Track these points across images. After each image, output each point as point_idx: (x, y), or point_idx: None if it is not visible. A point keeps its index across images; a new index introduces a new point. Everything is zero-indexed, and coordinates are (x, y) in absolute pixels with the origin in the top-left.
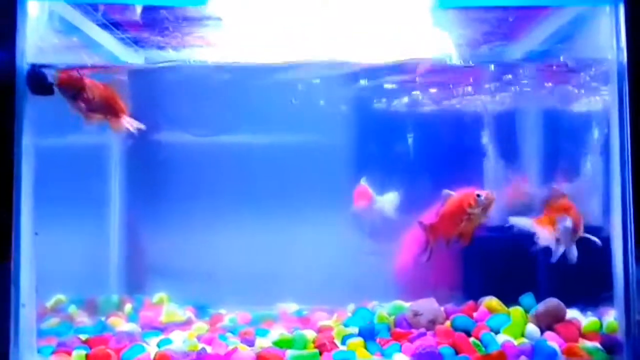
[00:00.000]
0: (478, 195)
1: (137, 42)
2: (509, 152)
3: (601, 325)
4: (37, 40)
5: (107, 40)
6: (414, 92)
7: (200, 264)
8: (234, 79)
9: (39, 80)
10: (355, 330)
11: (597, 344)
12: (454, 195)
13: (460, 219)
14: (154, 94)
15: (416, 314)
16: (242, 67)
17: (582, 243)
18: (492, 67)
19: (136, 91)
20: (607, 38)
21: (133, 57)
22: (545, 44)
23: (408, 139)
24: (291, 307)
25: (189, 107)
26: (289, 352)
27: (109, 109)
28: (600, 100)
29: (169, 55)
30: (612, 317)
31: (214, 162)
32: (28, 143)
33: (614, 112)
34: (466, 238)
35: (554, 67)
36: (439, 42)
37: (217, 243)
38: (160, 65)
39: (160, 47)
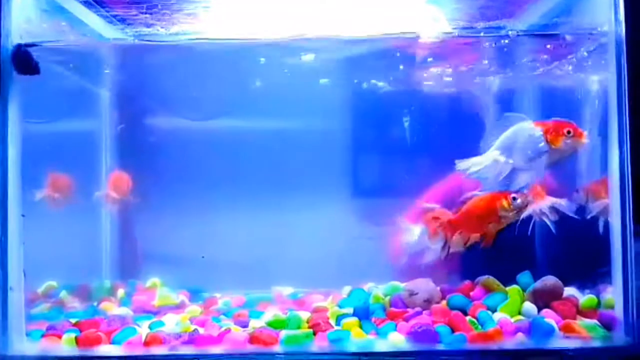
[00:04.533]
0: (514, 198)
1: (124, 21)
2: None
3: (599, 302)
4: (23, 20)
5: (93, 19)
6: (411, 70)
7: (196, 248)
8: (225, 58)
9: (24, 60)
10: (350, 310)
11: (595, 321)
12: (483, 195)
13: (489, 220)
14: (142, 74)
15: (412, 294)
16: (232, 45)
17: (580, 220)
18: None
19: (123, 71)
20: (605, 11)
21: (120, 36)
22: (543, 19)
23: (404, 121)
24: (286, 290)
25: (178, 89)
26: (283, 332)
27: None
28: (598, 75)
29: (157, 34)
30: (609, 294)
31: (207, 146)
32: (15, 124)
33: (613, 87)
34: (489, 239)
35: (551, 43)
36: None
37: (213, 228)
38: (148, 43)
39: (148, 25)
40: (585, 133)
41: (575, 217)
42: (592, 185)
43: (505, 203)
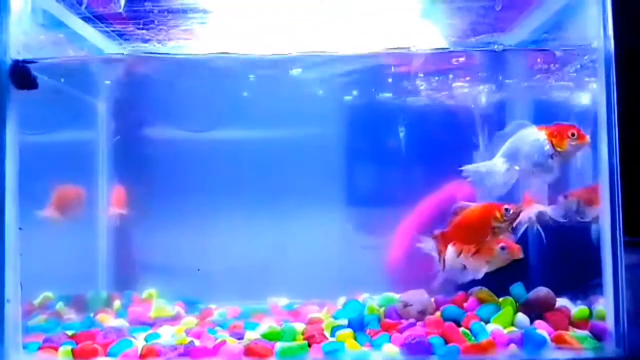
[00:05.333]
0: (506, 209)
1: (121, 36)
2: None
3: (590, 313)
4: (21, 34)
5: (91, 34)
6: (404, 83)
7: (192, 259)
8: (220, 72)
9: (22, 75)
10: (345, 322)
11: (587, 332)
12: (473, 207)
13: (482, 232)
14: (139, 88)
15: (406, 305)
16: (228, 59)
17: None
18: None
19: (120, 85)
20: (594, 26)
21: (118, 51)
22: (534, 34)
23: (400, 132)
24: (282, 301)
25: (175, 102)
26: (278, 345)
27: None
28: (588, 89)
29: (154, 49)
30: (601, 305)
31: (203, 157)
32: (12, 138)
33: (602, 101)
34: (488, 252)
35: (542, 57)
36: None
37: (209, 239)
38: (144, 55)
39: (145, 41)
40: (588, 135)
41: (563, 220)
42: (582, 192)
43: (497, 214)
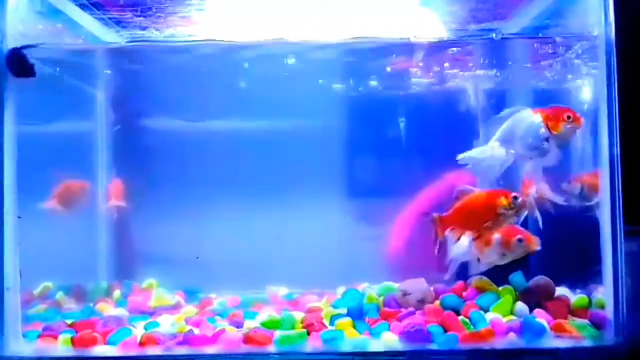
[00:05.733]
0: (515, 197)
1: (118, 23)
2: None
3: (590, 302)
4: (18, 22)
5: (88, 21)
6: (403, 72)
7: (192, 249)
8: (219, 60)
9: (20, 63)
10: (344, 310)
11: (586, 321)
12: (478, 193)
13: (485, 218)
14: (137, 76)
15: (405, 294)
16: (226, 47)
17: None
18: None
19: (118, 73)
20: (595, 13)
21: (115, 39)
22: (535, 21)
23: (399, 122)
24: (281, 290)
25: (173, 90)
26: (277, 333)
27: None
28: (589, 77)
29: (151, 36)
30: (600, 294)
31: (202, 147)
32: (10, 126)
33: (603, 89)
34: (488, 238)
35: (543, 44)
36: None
37: (208, 228)
38: (142, 44)
39: (143, 28)
40: (583, 118)
41: (567, 204)
42: (587, 177)
43: (504, 201)
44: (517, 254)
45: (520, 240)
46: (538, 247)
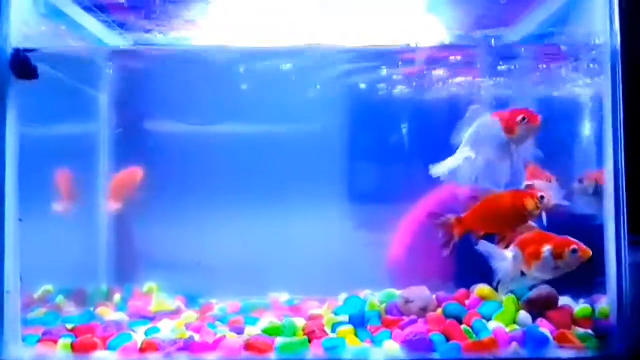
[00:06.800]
0: (541, 197)
1: (122, 26)
2: None
3: (593, 312)
4: (21, 23)
5: (92, 23)
6: (406, 78)
7: (193, 254)
8: (223, 64)
9: (23, 65)
10: (346, 318)
11: (589, 331)
12: (501, 193)
13: (511, 219)
14: (140, 79)
15: (407, 301)
16: (230, 50)
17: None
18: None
19: (121, 76)
20: (601, 21)
21: (118, 41)
22: (540, 28)
23: (402, 127)
24: (282, 296)
25: (176, 94)
26: (278, 340)
27: None
28: (594, 85)
29: (155, 39)
30: (604, 303)
31: (204, 151)
32: (12, 128)
33: (608, 97)
34: (508, 239)
35: (548, 52)
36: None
37: (210, 233)
38: (146, 48)
39: (147, 31)
40: (540, 116)
41: (566, 203)
42: (599, 174)
43: (532, 202)
44: (570, 265)
45: (574, 250)
46: (590, 255)
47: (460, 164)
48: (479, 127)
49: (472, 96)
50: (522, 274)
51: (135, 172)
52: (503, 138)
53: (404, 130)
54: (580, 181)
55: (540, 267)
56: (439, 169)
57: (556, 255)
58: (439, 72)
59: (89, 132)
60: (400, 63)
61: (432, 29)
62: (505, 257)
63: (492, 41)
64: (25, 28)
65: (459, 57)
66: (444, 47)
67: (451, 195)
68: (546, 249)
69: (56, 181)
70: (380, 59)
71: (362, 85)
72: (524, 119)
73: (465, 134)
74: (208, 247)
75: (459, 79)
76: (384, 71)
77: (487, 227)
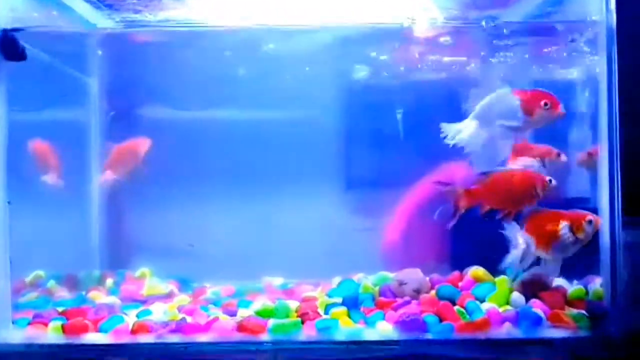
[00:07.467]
0: (550, 180)
1: (111, 6)
2: None
3: (587, 293)
4: (8, 5)
5: (79, 4)
6: (403, 60)
7: (186, 239)
8: (214, 45)
9: (11, 46)
10: (339, 300)
11: (582, 311)
12: (511, 171)
13: (521, 197)
14: (129, 61)
15: (401, 284)
16: (222, 31)
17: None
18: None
19: (110, 58)
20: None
21: (106, 22)
22: (536, 8)
23: (396, 112)
24: (277, 280)
25: (166, 77)
26: (271, 321)
27: None
28: (589, 66)
29: (144, 20)
30: (597, 285)
31: (197, 136)
32: (0, 112)
33: (603, 78)
34: (511, 215)
35: (543, 32)
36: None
37: (204, 218)
38: (134, 29)
39: (136, 11)
40: (562, 105)
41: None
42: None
43: (542, 183)
44: (588, 237)
45: (590, 221)
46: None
47: (467, 133)
48: (494, 100)
49: (473, 78)
50: (537, 260)
51: (139, 144)
52: (520, 118)
53: (399, 116)
54: (590, 155)
55: (560, 246)
56: (447, 129)
57: (575, 229)
58: (432, 54)
59: (81, 117)
60: (393, 45)
61: (430, 10)
62: (520, 245)
63: (484, 23)
64: (12, 9)
65: (449, 40)
66: (441, 26)
67: (445, 179)
68: (563, 225)
69: (35, 153)
70: (373, 40)
71: (356, 70)
72: (546, 104)
73: (478, 105)
74: (201, 232)
75: (452, 61)
76: (376, 54)
77: (495, 202)
